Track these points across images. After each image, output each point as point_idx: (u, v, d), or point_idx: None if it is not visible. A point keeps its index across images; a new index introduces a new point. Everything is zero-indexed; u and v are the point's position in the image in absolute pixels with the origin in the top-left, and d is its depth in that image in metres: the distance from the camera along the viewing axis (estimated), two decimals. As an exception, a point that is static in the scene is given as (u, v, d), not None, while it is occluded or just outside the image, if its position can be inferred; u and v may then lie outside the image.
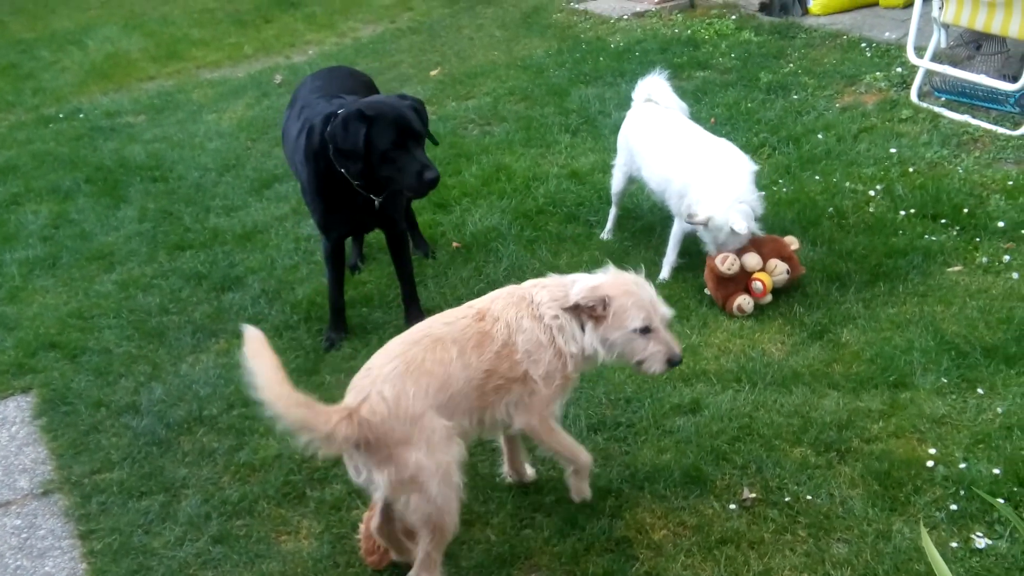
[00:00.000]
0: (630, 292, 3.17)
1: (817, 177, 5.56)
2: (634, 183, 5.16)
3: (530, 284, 3.29)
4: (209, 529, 3.55)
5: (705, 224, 4.44)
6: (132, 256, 5.65)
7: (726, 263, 4.44)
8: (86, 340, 4.82)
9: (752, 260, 4.47)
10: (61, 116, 8.34)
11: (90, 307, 5.14)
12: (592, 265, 4.88)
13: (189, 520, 3.60)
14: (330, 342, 4.60)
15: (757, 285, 4.44)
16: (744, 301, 4.45)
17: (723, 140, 4.80)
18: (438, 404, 2.97)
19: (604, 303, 3.14)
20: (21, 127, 8.22)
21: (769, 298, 4.48)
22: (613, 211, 5.27)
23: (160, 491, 3.78)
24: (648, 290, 3.22)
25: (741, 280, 4.47)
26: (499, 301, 3.22)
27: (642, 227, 5.32)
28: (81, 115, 8.30)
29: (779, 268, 4.47)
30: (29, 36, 11.18)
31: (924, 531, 1.81)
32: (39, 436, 4.20)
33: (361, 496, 3.63)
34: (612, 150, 6.02)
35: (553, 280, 3.27)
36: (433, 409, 2.96)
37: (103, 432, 4.15)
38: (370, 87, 5.00)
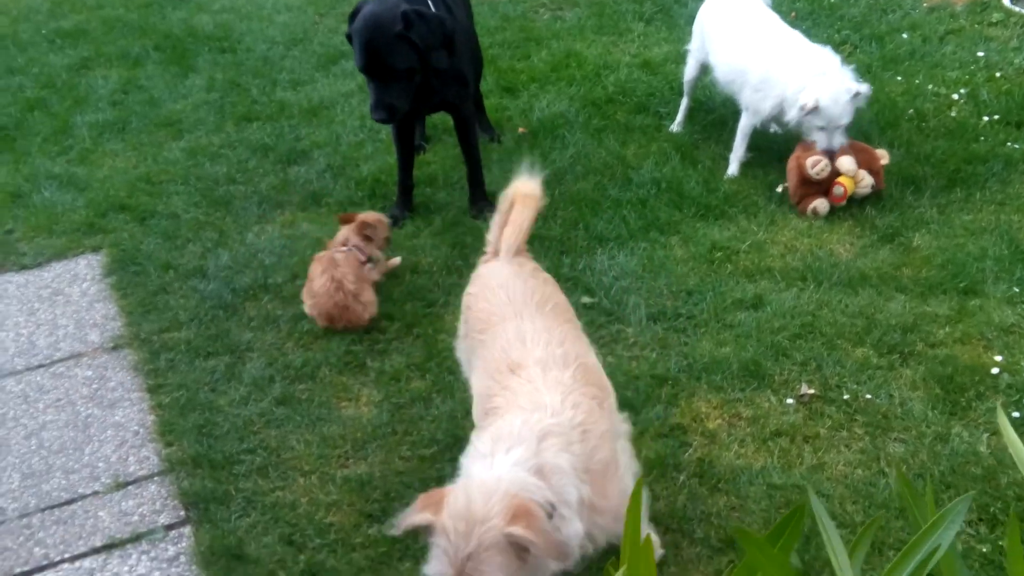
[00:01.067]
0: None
1: (899, 78, 5.38)
2: (707, 73, 5.03)
3: None
4: (272, 391, 3.65)
5: (816, 108, 4.27)
6: (200, 125, 5.68)
7: (817, 167, 4.31)
8: (155, 204, 4.89)
9: (847, 163, 4.33)
10: (130, -18, 8.30)
11: (158, 172, 5.20)
12: (660, 157, 4.85)
13: (253, 381, 3.70)
14: (394, 219, 4.62)
15: (838, 189, 4.33)
16: (820, 204, 4.36)
17: (802, 36, 4.64)
18: None
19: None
20: (91, -9, 8.20)
21: (844, 203, 4.38)
22: (685, 102, 5.16)
23: (226, 352, 3.87)
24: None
25: (824, 183, 4.36)
26: None
27: (713, 120, 5.20)
28: (150, -18, 8.25)
29: (865, 180, 4.35)
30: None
31: (1003, 414, 1.78)
32: (109, 293, 4.30)
33: (420, 369, 3.69)
34: (687, 40, 5.86)
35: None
36: None
37: (171, 293, 4.24)
38: None
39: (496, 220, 3.16)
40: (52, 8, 7.82)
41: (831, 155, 4.34)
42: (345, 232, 4.17)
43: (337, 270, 3.89)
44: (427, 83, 4.27)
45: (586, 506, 2.31)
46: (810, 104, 4.25)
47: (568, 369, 2.56)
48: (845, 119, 4.32)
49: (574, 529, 2.27)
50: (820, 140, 4.37)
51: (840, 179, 4.33)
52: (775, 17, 4.75)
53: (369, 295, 3.97)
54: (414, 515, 2.20)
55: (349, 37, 4.17)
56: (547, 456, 2.29)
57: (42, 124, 5.84)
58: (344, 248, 4.09)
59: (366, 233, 4.16)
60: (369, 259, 4.12)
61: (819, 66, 4.37)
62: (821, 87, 4.26)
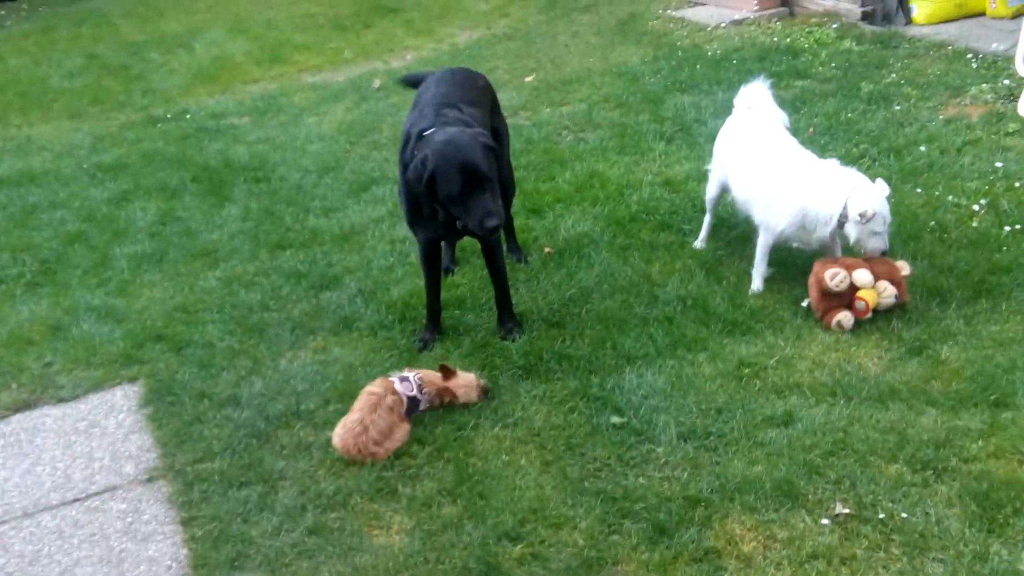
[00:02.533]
0: None
1: (919, 190, 5.45)
2: (728, 192, 5.13)
3: None
4: (305, 521, 3.66)
5: (874, 215, 4.36)
6: (235, 254, 5.84)
7: (836, 279, 4.36)
8: (191, 333, 5.00)
9: (864, 276, 4.38)
10: (169, 116, 8.65)
11: (195, 302, 5.33)
12: (684, 274, 4.91)
13: (286, 511, 3.71)
14: (423, 343, 4.68)
15: (860, 304, 4.36)
16: (845, 318, 4.38)
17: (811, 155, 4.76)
18: None
19: None
20: (131, 127, 8.55)
21: (869, 315, 4.40)
22: (707, 219, 5.25)
23: (259, 481, 3.90)
24: None
25: (846, 296, 4.40)
26: None
27: (736, 236, 5.28)
28: (188, 116, 8.59)
29: (888, 291, 4.38)
30: (139, 39, 11.64)
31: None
32: (145, 424, 4.37)
33: (452, 494, 3.70)
34: (707, 158, 5.99)
35: None
36: None
37: (205, 423, 4.30)
38: (487, 92, 5.05)
39: None
40: (94, 143, 8.15)
41: (848, 267, 4.40)
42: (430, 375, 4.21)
43: (374, 414, 3.95)
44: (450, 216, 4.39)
45: None
46: (870, 212, 4.35)
47: None
48: (880, 235, 4.45)
49: None
50: (878, 243, 4.47)
51: (860, 293, 4.36)
52: (789, 138, 4.87)
53: (399, 436, 4.01)
54: None
55: (420, 179, 4.22)
56: None
57: (82, 257, 6.03)
58: (405, 375, 4.15)
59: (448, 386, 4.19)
60: (421, 390, 4.15)
61: (846, 179, 4.48)
62: (870, 194, 4.39)
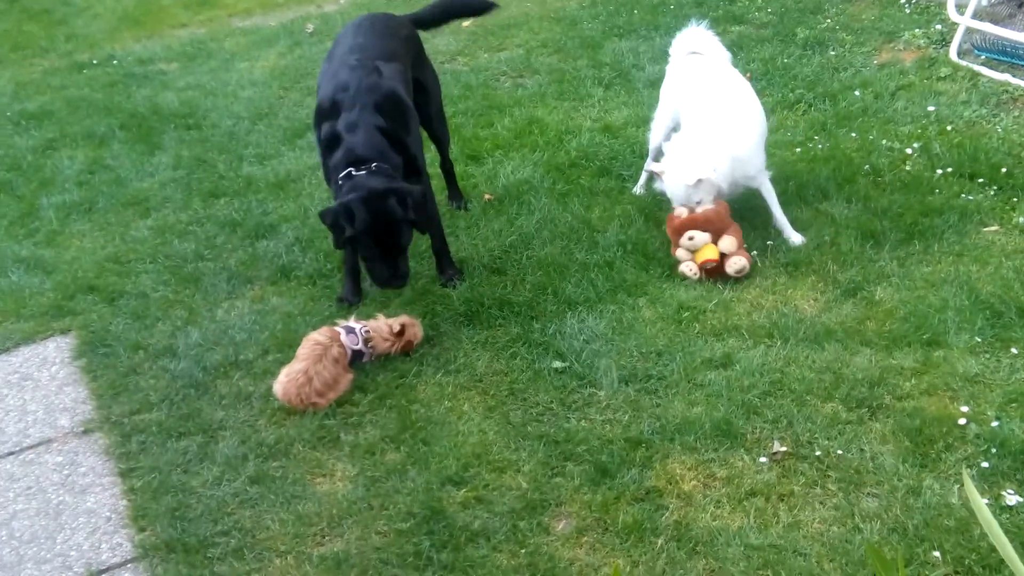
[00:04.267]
0: None
1: (853, 134, 5.52)
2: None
3: None
4: (246, 470, 3.62)
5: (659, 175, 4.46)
6: (167, 202, 5.71)
7: (689, 242, 4.46)
8: (123, 284, 4.89)
9: (728, 243, 4.45)
10: (94, 62, 8.37)
11: (127, 252, 5.20)
12: (624, 220, 4.92)
13: (227, 461, 3.68)
14: (347, 303, 4.57)
15: (708, 265, 4.45)
16: (688, 268, 4.47)
17: (748, 100, 4.77)
18: None
19: None
20: (55, 73, 8.26)
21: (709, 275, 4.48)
22: (648, 165, 5.25)
23: (198, 432, 3.85)
24: None
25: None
26: None
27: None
28: (114, 62, 8.32)
29: (740, 263, 4.42)
30: (61, -19, 11.18)
31: (967, 477, 1.82)
32: (79, 376, 4.28)
33: (395, 441, 3.69)
34: (646, 104, 6.00)
35: None
36: None
37: (141, 374, 4.22)
38: (411, 43, 4.87)
39: None
40: (16, 90, 7.86)
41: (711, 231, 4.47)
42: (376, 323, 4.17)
43: (319, 364, 3.90)
44: None
45: None
46: (658, 168, 4.55)
47: None
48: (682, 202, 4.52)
49: None
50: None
51: (707, 250, 4.46)
52: (740, 81, 4.88)
53: (342, 386, 3.99)
54: None
55: (340, 230, 4.15)
56: None
57: (8, 207, 5.84)
58: (352, 326, 4.10)
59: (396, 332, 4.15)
60: (367, 343, 4.12)
61: (709, 144, 4.52)
62: (674, 164, 4.52)
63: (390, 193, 4.13)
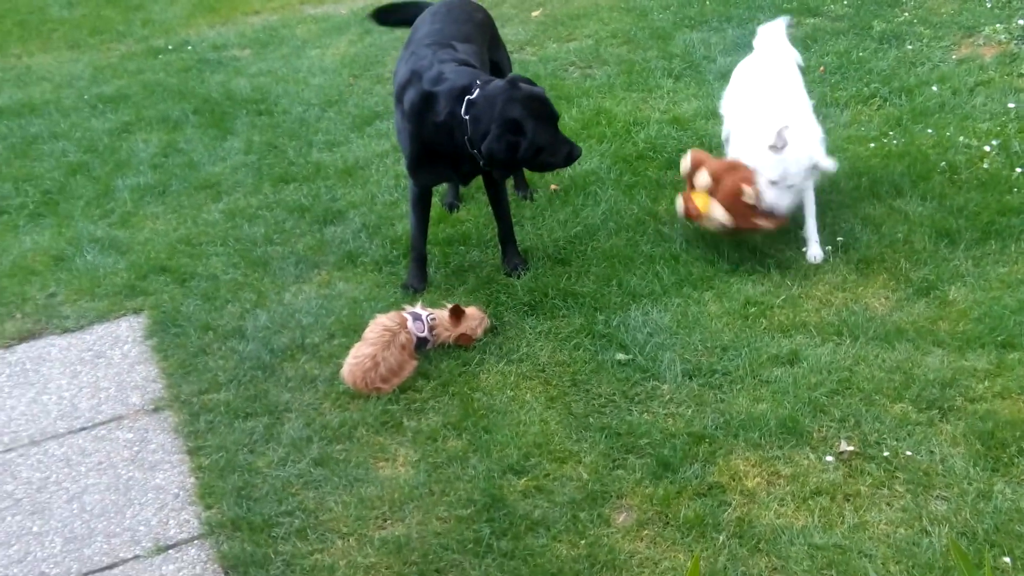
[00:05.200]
0: None
1: (930, 130, 5.39)
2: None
3: None
4: (311, 452, 3.68)
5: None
6: (238, 187, 5.80)
7: (692, 174, 4.62)
8: (195, 266, 4.98)
9: (701, 179, 4.50)
10: (170, 48, 8.51)
11: (198, 234, 5.30)
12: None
13: (292, 442, 3.73)
14: (412, 290, 4.60)
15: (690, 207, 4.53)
16: (678, 203, 4.62)
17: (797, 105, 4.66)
18: None
19: None
20: (131, 57, 8.42)
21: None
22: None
23: (264, 413, 3.91)
24: None
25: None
26: None
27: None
28: (189, 47, 8.46)
29: (716, 214, 4.43)
30: (139, -32, 11.41)
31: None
32: (150, 355, 4.37)
33: (457, 428, 3.71)
34: (716, 96, 5.91)
35: None
36: None
37: (211, 355, 4.30)
38: (486, 27, 4.93)
39: None
40: (94, 74, 8.03)
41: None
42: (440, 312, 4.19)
43: (387, 351, 3.93)
44: (473, 160, 4.31)
45: None
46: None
47: None
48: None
49: None
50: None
51: (693, 195, 4.51)
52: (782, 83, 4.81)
53: (406, 372, 4.02)
54: None
55: (495, 156, 4.14)
56: None
57: (84, 188, 5.98)
58: (419, 313, 4.13)
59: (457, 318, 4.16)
60: (432, 331, 4.14)
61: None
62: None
63: (518, 80, 4.24)
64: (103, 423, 3.99)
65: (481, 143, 4.12)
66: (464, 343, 4.16)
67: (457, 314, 4.14)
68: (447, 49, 4.43)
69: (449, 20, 4.74)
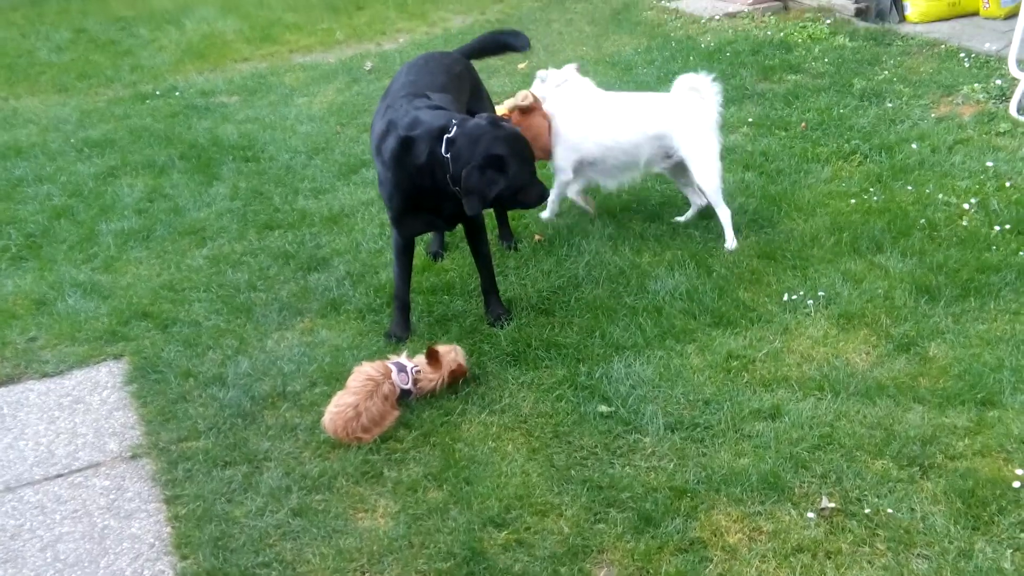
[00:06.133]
0: None
1: (909, 187, 5.47)
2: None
3: None
4: (289, 502, 3.64)
5: None
6: (223, 233, 5.80)
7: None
8: (177, 312, 4.96)
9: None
10: (158, 93, 8.57)
11: (181, 280, 5.29)
12: (674, 265, 4.90)
13: (270, 492, 3.69)
14: (396, 339, 4.59)
15: None
16: None
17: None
18: None
19: None
20: (119, 102, 8.47)
21: None
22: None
23: (243, 462, 3.87)
24: None
25: None
26: None
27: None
28: (177, 93, 8.52)
29: None
30: (129, 14, 11.51)
31: None
32: (129, 401, 4.34)
33: (437, 479, 3.68)
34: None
35: None
36: None
37: (191, 401, 4.27)
38: (463, 78, 4.95)
39: None
40: (81, 118, 8.07)
41: None
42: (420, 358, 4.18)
43: (369, 401, 3.92)
44: (456, 205, 4.33)
45: None
46: None
47: None
48: None
49: None
50: None
51: None
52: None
53: (388, 422, 4.00)
54: None
55: (473, 190, 4.16)
56: None
57: (68, 232, 5.97)
58: (404, 364, 4.11)
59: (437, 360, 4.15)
60: (415, 384, 4.13)
61: None
62: None
63: (497, 119, 4.36)
64: (79, 470, 3.94)
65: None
66: (459, 376, 4.16)
67: (434, 356, 4.13)
68: (421, 99, 4.48)
69: (424, 72, 4.79)
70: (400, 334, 4.61)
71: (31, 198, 6.50)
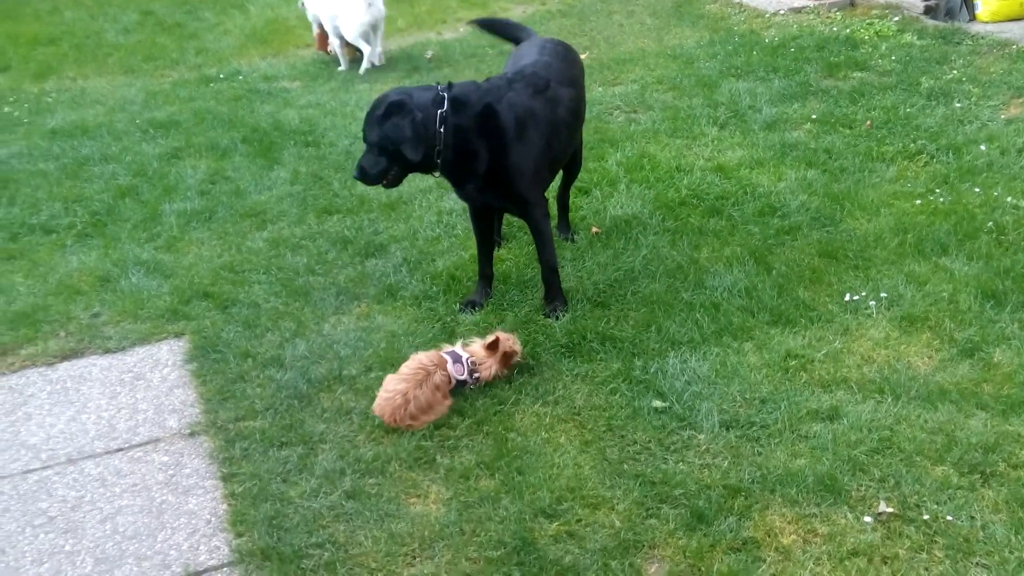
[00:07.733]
0: None
1: (977, 189, 5.35)
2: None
3: None
4: (343, 484, 3.67)
5: None
6: (283, 216, 5.86)
7: None
8: (237, 293, 5.03)
9: None
10: (221, 76, 8.69)
11: (241, 261, 5.35)
12: (733, 261, 4.86)
13: (325, 473, 3.73)
14: (472, 304, 4.72)
15: None
16: None
17: None
18: None
19: None
20: (184, 84, 8.60)
21: None
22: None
23: (299, 443, 3.92)
24: None
25: None
26: None
27: (786, 227, 5.20)
28: (240, 77, 8.62)
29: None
30: (195, -2, 11.67)
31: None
32: (189, 380, 4.41)
33: (489, 468, 3.69)
34: (761, 146, 5.95)
35: None
36: None
37: (249, 381, 4.32)
38: (582, 74, 5.15)
39: None
40: (146, 99, 8.20)
41: None
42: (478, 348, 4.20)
43: (419, 390, 3.94)
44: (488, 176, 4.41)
45: None
46: None
47: None
48: None
49: None
50: None
51: None
52: None
53: (438, 411, 4.01)
54: None
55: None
56: None
57: (132, 211, 6.07)
58: (460, 355, 4.13)
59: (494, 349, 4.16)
60: (472, 375, 4.14)
61: None
62: None
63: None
64: (139, 445, 4.02)
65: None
66: (512, 359, 4.18)
67: (493, 347, 4.14)
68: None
69: (557, 58, 4.82)
70: (478, 300, 4.78)
71: (97, 177, 6.63)
